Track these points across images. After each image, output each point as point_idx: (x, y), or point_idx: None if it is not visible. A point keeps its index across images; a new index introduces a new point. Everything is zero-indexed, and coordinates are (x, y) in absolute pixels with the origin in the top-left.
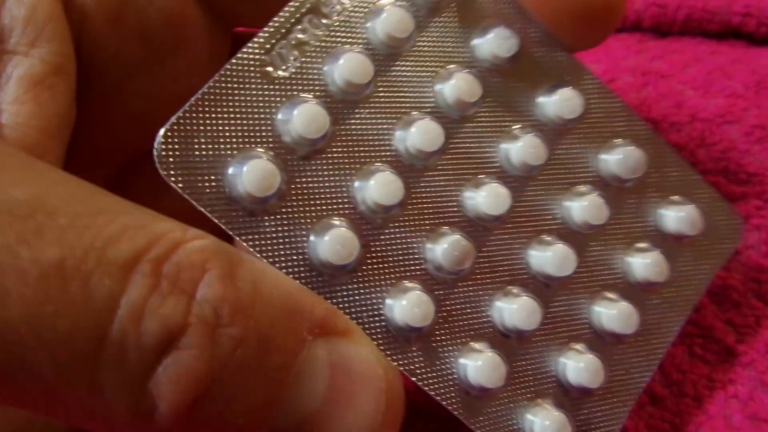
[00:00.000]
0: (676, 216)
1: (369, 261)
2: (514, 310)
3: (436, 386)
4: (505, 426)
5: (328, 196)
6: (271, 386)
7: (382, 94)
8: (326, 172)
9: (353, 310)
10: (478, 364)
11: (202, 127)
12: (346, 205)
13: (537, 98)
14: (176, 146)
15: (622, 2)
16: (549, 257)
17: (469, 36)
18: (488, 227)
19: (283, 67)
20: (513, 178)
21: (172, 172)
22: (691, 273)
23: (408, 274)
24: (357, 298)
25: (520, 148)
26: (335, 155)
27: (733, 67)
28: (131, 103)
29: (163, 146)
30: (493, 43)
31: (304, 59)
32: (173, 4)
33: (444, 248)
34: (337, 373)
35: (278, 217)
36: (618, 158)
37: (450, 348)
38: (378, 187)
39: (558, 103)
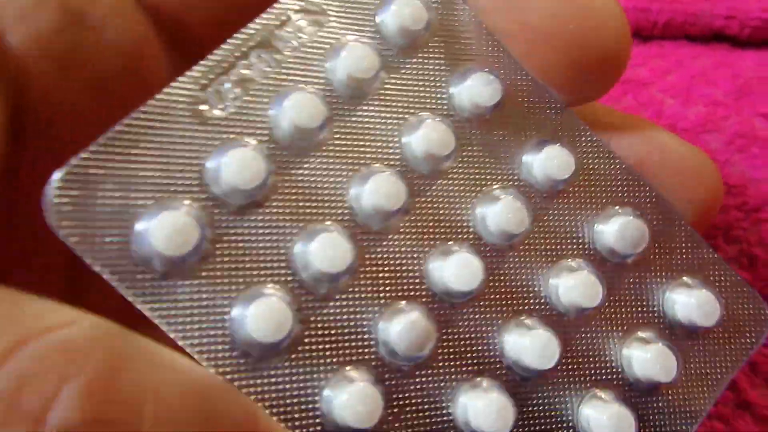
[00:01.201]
0: (686, 302)
1: (307, 341)
2: (481, 410)
3: None
4: None
5: (263, 258)
6: None
7: (337, 142)
8: (262, 230)
9: (283, 402)
10: None
11: (111, 171)
12: (284, 271)
13: (522, 155)
14: (75, 192)
15: (627, 52)
16: (528, 345)
17: (446, 81)
18: (456, 305)
19: (220, 107)
20: (489, 247)
21: (64, 224)
22: (704, 372)
23: (354, 359)
24: (288, 387)
25: (499, 212)
26: (275, 210)
27: (714, 72)
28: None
29: (58, 192)
30: (473, 89)
31: (246, 98)
32: (132, 46)
33: (399, 329)
34: None
35: (197, 282)
36: (615, 229)
37: None
38: (322, 250)
39: (545, 161)
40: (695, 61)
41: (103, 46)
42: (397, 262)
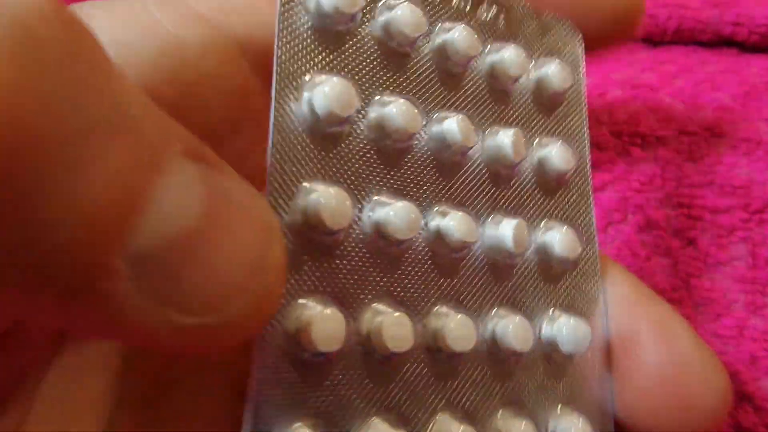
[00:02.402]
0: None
1: None
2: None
3: None
4: None
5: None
6: (132, 187)
7: None
8: None
9: None
10: None
11: None
12: None
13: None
14: None
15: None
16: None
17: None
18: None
19: None
20: None
21: None
22: None
23: None
24: None
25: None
26: None
27: (722, 78)
28: None
29: None
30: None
31: None
32: (235, 85)
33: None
34: (215, 199)
35: None
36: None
37: None
38: None
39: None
40: (703, 67)
41: (211, 93)
42: None
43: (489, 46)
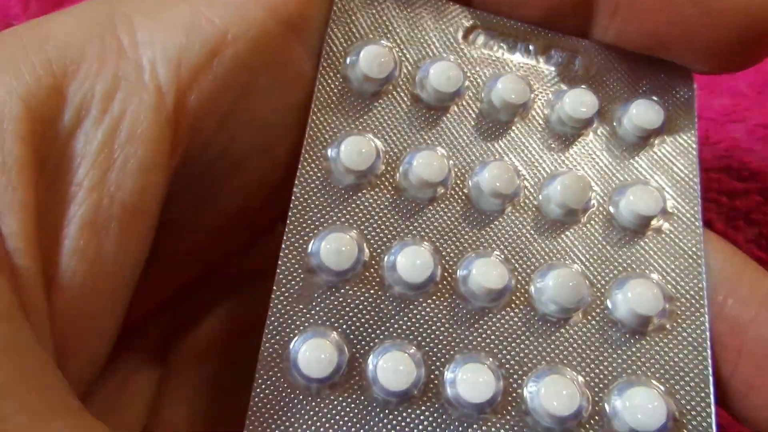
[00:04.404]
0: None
1: None
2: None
3: None
4: None
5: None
6: None
7: None
8: None
9: None
10: None
11: None
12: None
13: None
14: None
15: None
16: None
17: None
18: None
19: None
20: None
21: None
22: None
23: None
24: None
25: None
26: None
27: None
28: (230, 200)
29: None
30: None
31: None
32: (292, 74)
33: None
34: None
35: None
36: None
37: None
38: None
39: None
40: None
41: (265, 104)
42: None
43: (554, 93)
